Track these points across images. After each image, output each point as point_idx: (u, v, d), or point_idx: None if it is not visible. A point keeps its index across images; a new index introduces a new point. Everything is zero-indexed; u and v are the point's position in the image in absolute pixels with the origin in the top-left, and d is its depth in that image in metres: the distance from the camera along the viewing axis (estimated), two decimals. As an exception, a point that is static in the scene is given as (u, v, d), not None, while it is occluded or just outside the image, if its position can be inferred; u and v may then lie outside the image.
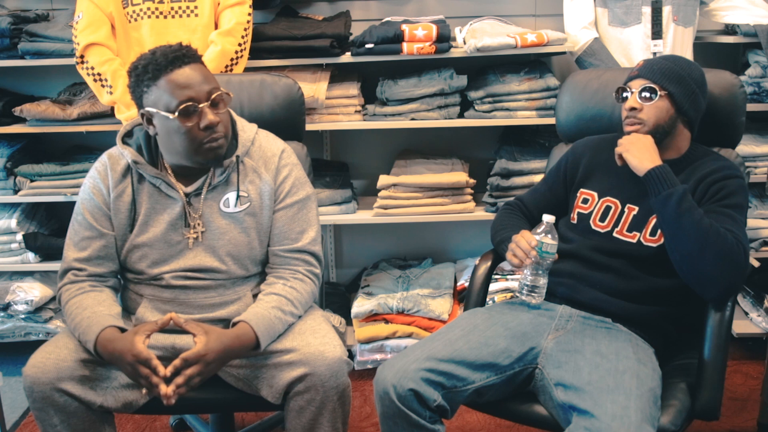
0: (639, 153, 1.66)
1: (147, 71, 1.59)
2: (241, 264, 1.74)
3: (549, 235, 1.68)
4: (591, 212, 1.79)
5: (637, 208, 1.73)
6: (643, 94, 1.70)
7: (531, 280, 1.70)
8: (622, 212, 1.75)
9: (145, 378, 1.51)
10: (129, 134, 1.76)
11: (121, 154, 1.73)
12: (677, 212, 1.57)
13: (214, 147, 1.63)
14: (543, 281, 1.70)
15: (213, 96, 1.61)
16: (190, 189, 1.71)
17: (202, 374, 1.53)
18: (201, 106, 1.59)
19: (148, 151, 1.72)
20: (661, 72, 1.69)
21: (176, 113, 1.57)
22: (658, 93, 1.69)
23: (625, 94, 1.74)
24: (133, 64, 1.63)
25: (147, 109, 1.61)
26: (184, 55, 1.60)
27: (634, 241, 1.71)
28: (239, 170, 1.73)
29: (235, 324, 1.61)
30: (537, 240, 1.66)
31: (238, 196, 1.72)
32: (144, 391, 1.58)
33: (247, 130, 1.77)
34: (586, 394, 1.46)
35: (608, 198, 1.78)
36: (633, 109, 1.71)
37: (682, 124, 1.74)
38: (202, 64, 1.64)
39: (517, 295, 1.75)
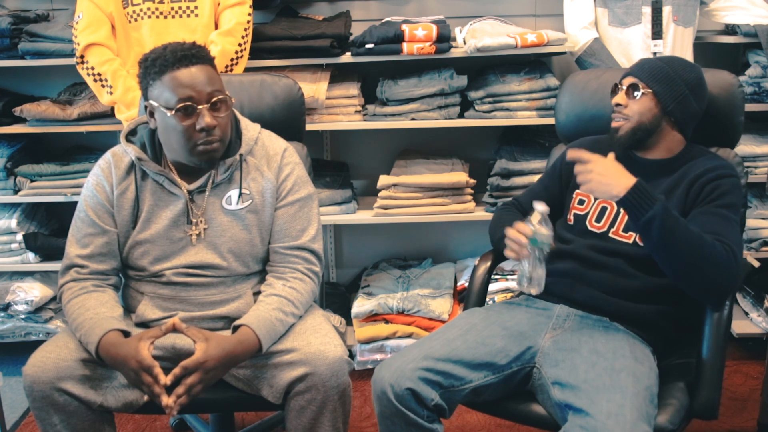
0: (604, 178, 1.55)
1: (155, 65, 1.60)
2: (242, 261, 1.74)
3: (542, 225, 1.63)
4: (587, 213, 1.79)
5: (633, 209, 1.72)
6: (628, 90, 1.72)
7: (529, 271, 1.66)
8: (617, 213, 1.75)
9: (147, 386, 1.51)
10: (133, 132, 1.77)
11: (124, 152, 1.74)
12: (661, 235, 1.51)
13: (208, 150, 1.64)
14: (541, 271, 1.66)
15: (214, 99, 1.61)
16: (193, 186, 1.72)
17: (203, 382, 1.52)
18: (200, 107, 1.60)
19: (151, 148, 1.73)
20: (649, 71, 1.72)
21: (174, 111, 1.58)
22: (641, 90, 1.70)
23: (616, 91, 1.77)
24: (144, 55, 1.65)
25: (150, 101, 1.63)
26: (194, 55, 1.61)
27: (630, 241, 1.71)
28: (242, 168, 1.74)
29: (236, 328, 1.61)
30: (531, 230, 1.62)
31: (240, 194, 1.73)
32: (146, 397, 1.59)
33: (250, 129, 1.78)
34: (582, 392, 1.46)
35: (604, 199, 1.78)
36: (618, 105, 1.73)
37: (669, 125, 1.73)
38: (211, 67, 1.65)
39: (517, 286, 1.73)
